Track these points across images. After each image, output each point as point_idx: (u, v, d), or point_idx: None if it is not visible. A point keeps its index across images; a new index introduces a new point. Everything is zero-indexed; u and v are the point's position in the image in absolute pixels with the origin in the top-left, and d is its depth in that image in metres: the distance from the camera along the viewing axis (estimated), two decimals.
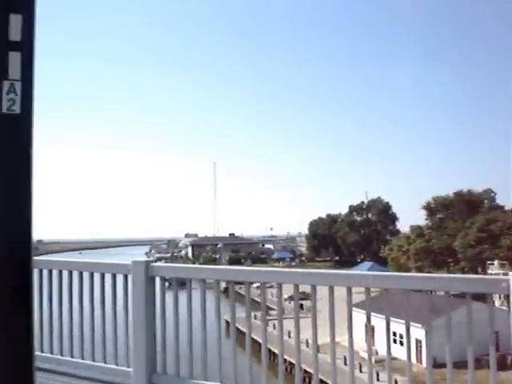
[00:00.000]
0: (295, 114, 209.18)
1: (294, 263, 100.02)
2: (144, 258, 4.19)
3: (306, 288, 3.49)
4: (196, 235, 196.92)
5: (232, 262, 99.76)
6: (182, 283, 3.86)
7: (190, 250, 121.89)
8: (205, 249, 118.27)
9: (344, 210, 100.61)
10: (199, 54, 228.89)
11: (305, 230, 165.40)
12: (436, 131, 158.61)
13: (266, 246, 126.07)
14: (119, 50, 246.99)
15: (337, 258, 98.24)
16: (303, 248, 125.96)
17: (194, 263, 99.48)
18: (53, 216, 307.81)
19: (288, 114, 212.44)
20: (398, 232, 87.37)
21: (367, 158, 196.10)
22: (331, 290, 3.24)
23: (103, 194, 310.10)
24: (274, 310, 3.82)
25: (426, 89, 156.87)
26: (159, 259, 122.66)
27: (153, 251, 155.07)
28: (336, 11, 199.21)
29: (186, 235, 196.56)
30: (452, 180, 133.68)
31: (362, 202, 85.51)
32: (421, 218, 71.43)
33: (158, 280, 3.89)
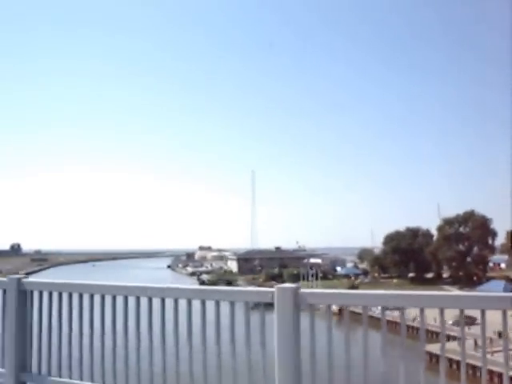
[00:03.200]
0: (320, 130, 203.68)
1: (366, 280, 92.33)
2: (290, 285, 3.30)
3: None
4: (210, 248, 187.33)
5: (294, 279, 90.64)
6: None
7: (235, 263, 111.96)
8: (251, 263, 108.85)
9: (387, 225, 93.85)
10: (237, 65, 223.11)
11: (329, 243, 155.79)
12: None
13: (312, 260, 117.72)
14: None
15: (411, 274, 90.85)
16: (350, 263, 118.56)
17: (256, 278, 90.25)
18: (51, 227, 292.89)
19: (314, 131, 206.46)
20: (493, 249, 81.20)
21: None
22: None
23: (104, 206, 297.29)
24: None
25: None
26: (196, 274, 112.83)
27: (180, 265, 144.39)
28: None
29: (200, 248, 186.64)
30: None
31: (458, 215, 78.89)
32: None
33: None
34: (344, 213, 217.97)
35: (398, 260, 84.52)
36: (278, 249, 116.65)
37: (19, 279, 4.35)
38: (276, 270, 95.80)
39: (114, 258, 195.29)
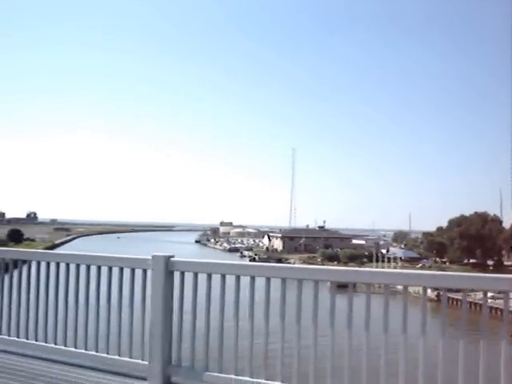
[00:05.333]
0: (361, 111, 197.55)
1: (427, 265, 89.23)
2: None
3: None
4: (231, 223, 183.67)
5: (350, 259, 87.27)
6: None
7: (279, 241, 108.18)
8: (296, 241, 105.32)
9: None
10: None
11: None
12: None
13: (354, 241, 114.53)
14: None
15: (472, 260, 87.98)
16: (393, 248, 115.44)
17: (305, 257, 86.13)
18: (64, 196, 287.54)
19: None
20: None
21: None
22: None
23: (118, 179, 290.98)
24: None
25: None
26: (240, 250, 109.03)
27: (212, 240, 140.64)
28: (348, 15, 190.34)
29: (221, 223, 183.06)
30: None
31: None
32: None
33: None
34: (369, 196, 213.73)
35: (466, 246, 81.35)
36: (321, 228, 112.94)
37: (168, 258, 3.73)
38: (330, 250, 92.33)
39: (133, 231, 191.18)
